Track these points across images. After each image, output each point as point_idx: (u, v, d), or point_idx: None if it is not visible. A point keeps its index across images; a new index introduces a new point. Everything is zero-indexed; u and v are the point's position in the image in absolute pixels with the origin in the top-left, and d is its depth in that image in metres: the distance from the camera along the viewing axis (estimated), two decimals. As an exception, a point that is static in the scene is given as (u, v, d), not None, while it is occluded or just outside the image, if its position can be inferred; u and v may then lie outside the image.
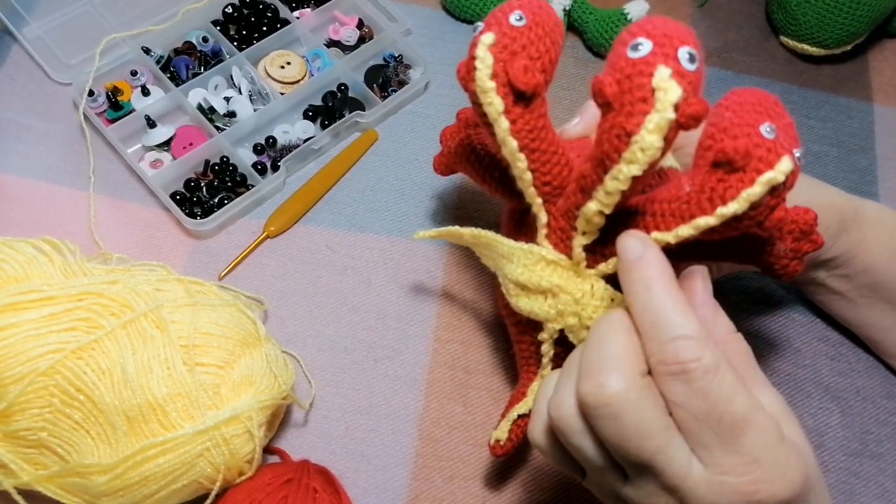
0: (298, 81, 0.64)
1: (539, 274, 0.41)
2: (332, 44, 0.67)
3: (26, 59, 0.63)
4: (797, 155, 0.34)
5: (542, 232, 0.42)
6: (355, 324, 0.56)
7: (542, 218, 0.41)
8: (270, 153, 0.61)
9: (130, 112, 0.60)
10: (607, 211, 0.37)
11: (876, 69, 0.75)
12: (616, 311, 0.36)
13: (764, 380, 0.37)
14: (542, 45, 0.38)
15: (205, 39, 0.65)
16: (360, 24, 0.68)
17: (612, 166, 0.35)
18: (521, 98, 0.38)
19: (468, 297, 0.58)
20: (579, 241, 0.39)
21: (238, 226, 0.59)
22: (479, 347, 0.56)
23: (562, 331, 0.42)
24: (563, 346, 0.42)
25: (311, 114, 0.64)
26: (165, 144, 0.61)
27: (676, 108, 0.32)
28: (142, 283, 0.47)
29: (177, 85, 0.62)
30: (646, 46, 0.33)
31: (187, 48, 0.65)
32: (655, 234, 0.37)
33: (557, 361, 0.44)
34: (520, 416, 0.46)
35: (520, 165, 0.40)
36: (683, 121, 0.33)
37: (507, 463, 0.52)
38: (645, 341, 0.35)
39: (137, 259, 0.55)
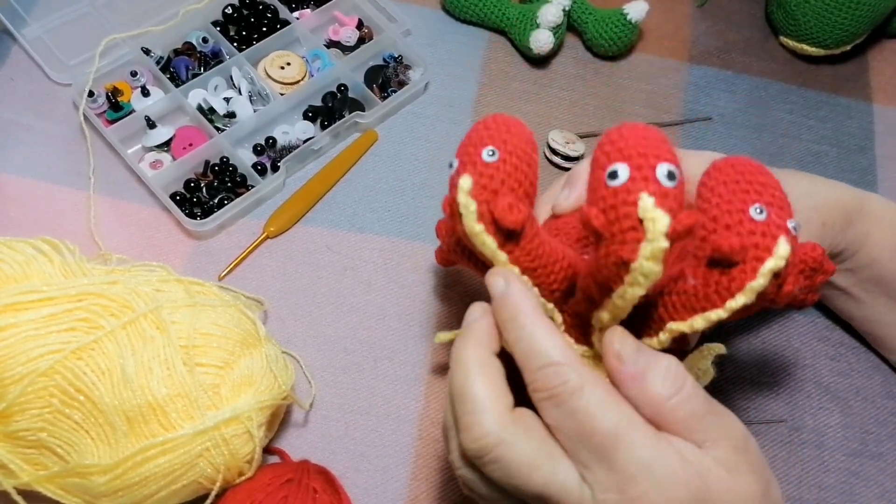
0: (298, 82, 0.64)
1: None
2: (331, 44, 0.67)
3: (26, 59, 0.63)
4: (792, 226, 0.35)
5: (560, 329, 0.41)
6: (355, 324, 0.56)
7: (557, 319, 0.41)
8: (270, 154, 0.61)
9: (130, 113, 0.60)
10: (615, 323, 0.37)
11: (876, 69, 0.75)
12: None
13: (721, 409, 0.36)
14: (519, 174, 0.38)
15: (205, 40, 0.65)
16: (360, 25, 0.68)
17: (617, 288, 0.35)
18: (512, 234, 0.38)
19: (468, 297, 0.58)
20: (599, 338, 0.39)
21: (238, 226, 0.59)
22: (479, 348, 0.56)
23: None
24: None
25: (310, 114, 0.64)
26: (165, 145, 0.61)
27: (667, 234, 0.32)
28: (142, 283, 0.47)
29: (177, 86, 0.62)
30: (623, 173, 0.33)
31: (187, 49, 0.65)
32: (672, 325, 0.38)
33: None
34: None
35: (526, 287, 0.40)
36: (676, 237, 0.33)
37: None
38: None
39: (137, 259, 0.55)
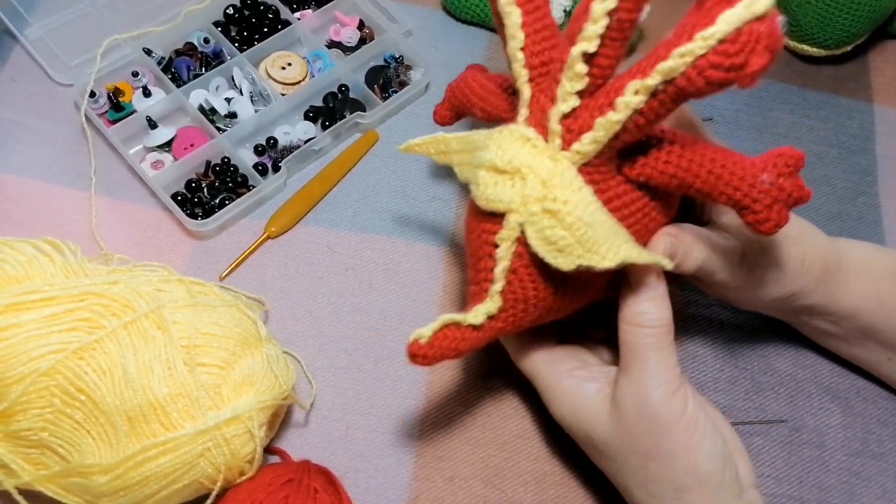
0: (299, 82, 0.64)
1: (512, 153, 0.40)
2: (332, 45, 0.67)
3: (27, 59, 0.64)
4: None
5: (524, 113, 0.41)
6: (356, 324, 0.56)
7: (525, 93, 0.41)
8: (271, 154, 0.62)
9: (132, 113, 0.61)
10: (592, 48, 0.37)
11: (876, 70, 0.75)
12: None
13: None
14: None
15: (206, 40, 0.65)
16: (361, 25, 0.68)
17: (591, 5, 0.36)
18: None
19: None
20: (557, 111, 0.39)
21: (239, 226, 0.59)
22: (480, 348, 0.56)
23: (519, 247, 0.41)
24: (522, 260, 0.41)
25: (311, 115, 0.64)
26: (166, 145, 0.61)
27: None
28: (143, 283, 0.47)
29: (178, 86, 0.62)
30: None
31: (188, 49, 0.65)
32: (632, 83, 0.36)
33: (513, 282, 0.42)
34: (452, 325, 0.42)
35: (514, 21, 0.40)
36: None
37: (508, 463, 0.52)
38: None
39: (138, 259, 0.55)
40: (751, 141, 0.69)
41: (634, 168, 0.41)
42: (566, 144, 0.40)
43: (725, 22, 0.33)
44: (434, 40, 0.70)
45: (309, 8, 0.69)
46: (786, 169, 0.39)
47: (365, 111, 0.64)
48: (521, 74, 0.41)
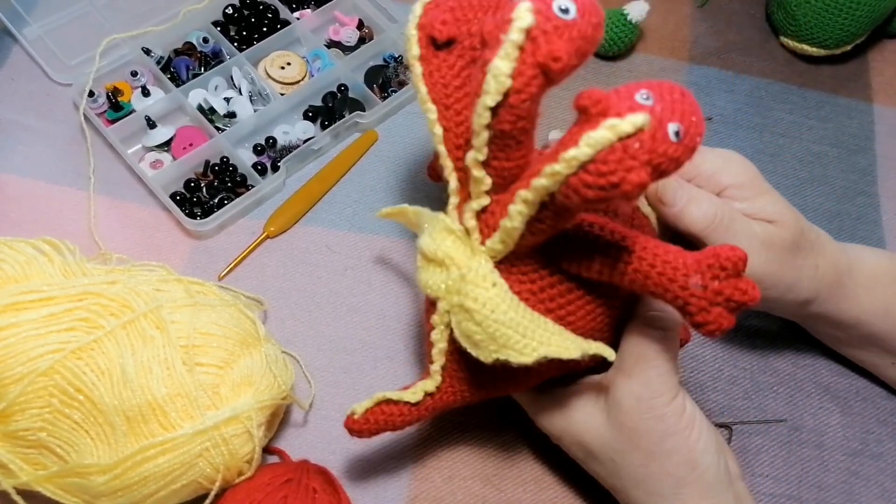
0: (298, 82, 0.64)
1: (438, 242, 0.40)
2: (332, 44, 0.67)
3: (27, 59, 0.64)
4: (673, 130, 0.32)
5: (453, 202, 0.41)
6: (355, 324, 0.56)
7: (452, 184, 0.41)
8: (270, 153, 0.61)
9: (130, 113, 0.61)
10: (481, 157, 0.37)
11: (876, 69, 0.75)
12: None
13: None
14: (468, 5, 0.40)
15: (205, 40, 0.65)
16: (361, 25, 0.68)
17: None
18: (438, 47, 0.40)
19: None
20: (470, 207, 0.39)
21: (238, 226, 0.59)
22: (479, 347, 0.56)
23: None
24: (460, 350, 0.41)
25: (311, 114, 0.64)
26: (165, 145, 0.61)
27: (528, 33, 0.33)
28: (141, 283, 0.47)
29: (177, 86, 0.62)
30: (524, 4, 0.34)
31: (187, 49, 0.65)
32: (519, 193, 0.36)
33: (452, 362, 0.43)
34: (387, 402, 0.44)
35: (430, 117, 0.40)
36: (542, 60, 0.33)
37: (508, 463, 0.52)
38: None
39: (137, 259, 0.55)
40: (751, 141, 0.69)
41: (562, 261, 0.40)
42: (483, 239, 0.40)
43: (587, 144, 0.32)
44: (433, 40, 0.70)
45: (308, 7, 0.69)
46: (720, 272, 0.36)
47: (364, 111, 0.64)
48: (447, 165, 0.41)
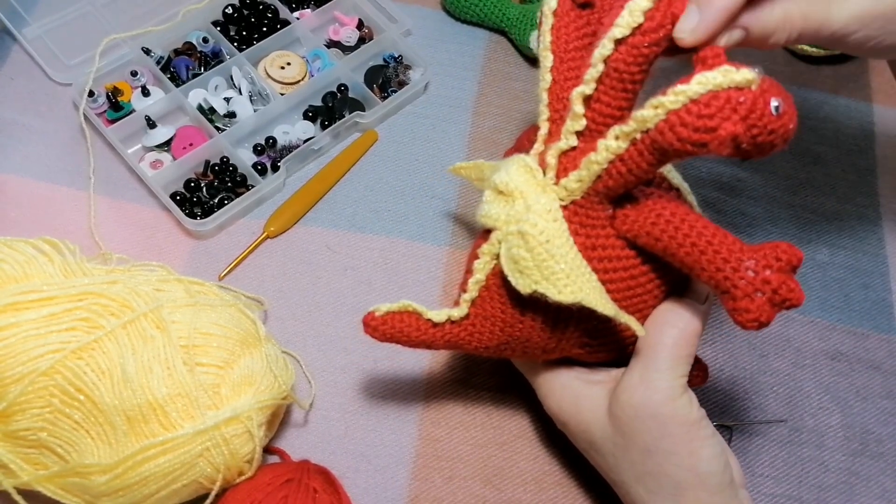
0: (298, 82, 0.64)
1: (512, 175, 0.41)
2: (332, 44, 0.67)
3: (26, 59, 0.63)
4: (776, 104, 0.34)
5: (537, 148, 0.42)
6: (355, 324, 0.56)
7: (543, 130, 0.42)
8: (270, 153, 0.61)
9: (130, 112, 0.61)
10: (587, 90, 0.38)
11: (876, 70, 0.75)
12: None
13: None
14: None
15: (205, 40, 0.65)
16: (360, 25, 0.68)
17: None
18: (579, 6, 0.41)
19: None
20: (556, 147, 0.40)
21: (238, 226, 0.59)
22: (479, 347, 0.56)
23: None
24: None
25: (311, 114, 0.64)
26: (165, 145, 0.61)
27: None
28: (142, 283, 0.47)
29: (177, 85, 0.62)
30: None
31: (187, 49, 0.65)
32: (614, 128, 0.38)
33: (484, 298, 0.43)
34: (410, 312, 0.45)
35: (545, 64, 0.42)
36: (676, 11, 0.36)
37: (507, 463, 0.52)
38: None
39: (137, 259, 0.55)
40: (750, 141, 0.69)
41: (625, 223, 0.41)
42: (558, 180, 0.41)
43: (698, 82, 0.34)
44: (433, 40, 0.70)
45: (308, 7, 0.69)
46: (774, 262, 0.37)
47: (364, 111, 0.64)
48: (543, 112, 0.42)
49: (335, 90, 0.65)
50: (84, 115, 0.59)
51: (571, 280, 0.39)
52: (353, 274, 0.58)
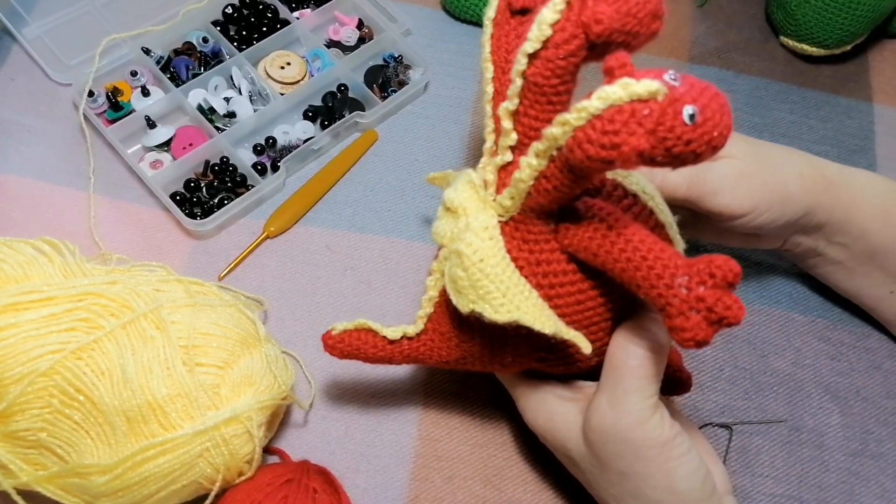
0: (298, 82, 0.64)
1: (457, 192, 0.41)
2: (332, 44, 0.67)
3: (26, 59, 0.63)
4: (690, 112, 0.32)
5: (483, 161, 0.42)
6: (355, 324, 0.56)
7: (488, 143, 0.42)
8: (270, 153, 0.61)
9: (130, 112, 0.60)
10: (511, 106, 0.38)
11: (876, 69, 0.75)
12: None
13: None
14: None
15: (205, 40, 0.65)
16: (360, 25, 0.68)
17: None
18: (514, 13, 0.40)
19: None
20: (494, 162, 0.40)
21: (238, 226, 0.59)
22: (479, 348, 0.56)
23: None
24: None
25: (311, 114, 0.64)
26: (165, 145, 0.61)
27: None
28: (141, 283, 0.47)
29: (177, 85, 0.62)
30: None
31: (187, 49, 0.65)
32: (533, 145, 0.37)
33: (438, 314, 0.44)
34: (367, 330, 0.46)
35: (486, 76, 0.41)
36: (585, 19, 0.34)
37: (507, 463, 0.52)
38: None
39: (137, 259, 0.55)
40: (750, 140, 0.69)
41: (566, 238, 0.40)
42: (497, 196, 0.40)
43: (599, 97, 0.32)
44: (433, 40, 0.70)
45: (308, 7, 0.69)
46: (708, 278, 0.35)
47: (364, 111, 0.64)
48: (488, 125, 0.42)
49: (335, 90, 0.65)
50: (84, 115, 0.59)
51: (507, 299, 0.38)
52: (353, 274, 0.58)
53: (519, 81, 0.37)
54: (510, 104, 0.38)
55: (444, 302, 0.43)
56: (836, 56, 0.73)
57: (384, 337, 0.45)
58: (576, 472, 0.46)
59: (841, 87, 0.73)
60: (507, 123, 0.39)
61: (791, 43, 0.73)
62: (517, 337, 0.42)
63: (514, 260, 0.40)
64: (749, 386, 0.57)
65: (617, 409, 0.40)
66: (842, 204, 0.51)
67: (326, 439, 0.52)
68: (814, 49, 0.71)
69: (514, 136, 0.39)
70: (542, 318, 0.38)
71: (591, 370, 0.44)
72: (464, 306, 0.39)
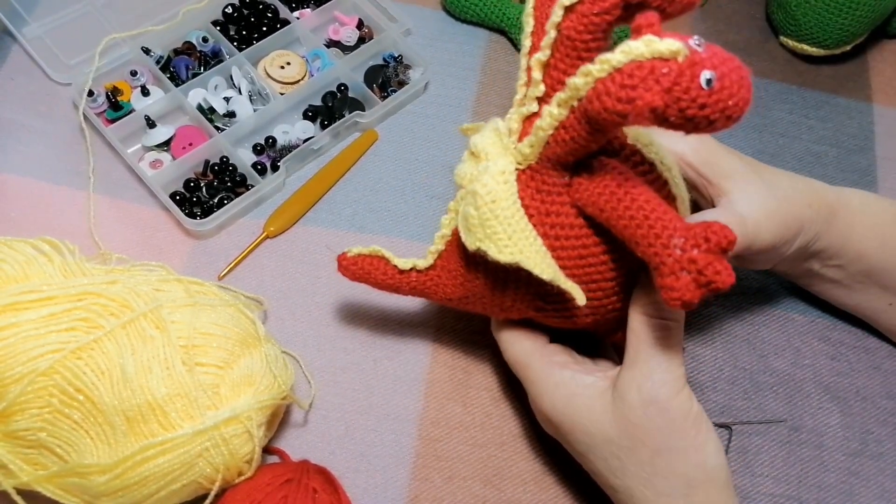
0: (298, 81, 0.64)
1: (483, 137, 0.42)
2: (331, 44, 0.67)
3: (26, 59, 0.63)
4: (707, 77, 0.33)
5: (512, 111, 0.43)
6: (355, 324, 0.56)
7: (519, 94, 0.42)
8: (270, 153, 0.61)
9: (130, 112, 0.60)
10: (543, 57, 0.39)
11: (875, 69, 0.75)
12: None
13: None
14: None
15: (205, 39, 0.65)
16: (360, 25, 0.68)
17: None
18: None
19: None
20: (519, 111, 0.41)
21: (238, 226, 0.59)
22: (479, 347, 0.56)
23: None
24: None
25: (310, 114, 0.64)
26: (165, 144, 0.61)
27: None
28: (141, 283, 0.47)
29: (176, 85, 0.62)
30: None
31: (187, 48, 0.65)
32: (556, 95, 0.38)
33: (448, 252, 0.46)
34: (380, 257, 0.48)
35: (526, 29, 0.42)
36: None
37: (507, 463, 0.52)
38: None
39: (137, 259, 0.55)
40: (750, 141, 0.69)
41: (577, 192, 0.41)
42: (518, 143, 0.42)
43: (622, 51, 0.34)
44: (433, 40, 0.70)
45: (308, 7, 0.69)
46: (703, 242, 0.36)
47: (364, 110, 0.63)
48: (521, 77, 0.42)
49: (335, 90, 0.64)
50: (84, 114, 0.59)
51: (512, 241, 0.40)
52: (353, 274, 0.58)
53: (553, 33, 0.38)
54: (542, 55, 0.39)
55: (456, 241, 0.45)
56: (835, 56, 0.73)
57: (395, 266, 0.48)
58: (591, 460, 0.45)
59: (840, 87, 0.73)
60: (536, 74, 0.40)
61: (791, 43, 0.73)
62: (518, 281, 0.43)
63: (526, 207, 0.41)
64: (749, 386, 0.57)
65: (652, 378, 0.41)
66: (839, 230, 0.51)
67: (326, 439, 0.52)
68: (813, 49, 0.71)
69: (542, 87, 0.40)
70: (542, 265, 0.40)
71: (585, 329, 0.46)
72: (471, 244, 0.41)
